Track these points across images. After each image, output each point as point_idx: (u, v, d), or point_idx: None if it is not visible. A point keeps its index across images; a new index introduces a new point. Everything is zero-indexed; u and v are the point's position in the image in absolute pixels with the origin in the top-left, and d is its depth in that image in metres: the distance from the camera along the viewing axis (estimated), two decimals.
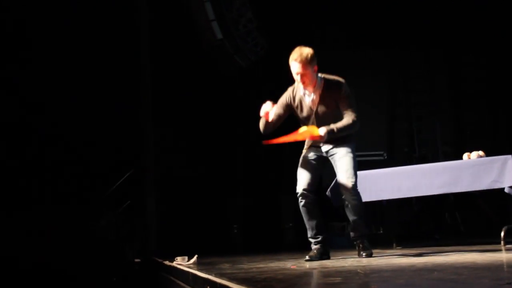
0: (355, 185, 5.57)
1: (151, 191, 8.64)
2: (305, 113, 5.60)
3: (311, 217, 5.64)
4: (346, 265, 4.86)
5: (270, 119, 5.58)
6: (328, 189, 6.74)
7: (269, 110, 5.56)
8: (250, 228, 9.16)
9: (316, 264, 5.16)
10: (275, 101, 5.65)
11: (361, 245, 5.64)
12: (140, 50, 8.83)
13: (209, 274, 4.36)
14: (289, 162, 9.59)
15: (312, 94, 5.58)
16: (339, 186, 5.77)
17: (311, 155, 5.67)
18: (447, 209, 9.19)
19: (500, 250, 5.82)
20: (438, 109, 10.39)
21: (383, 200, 6.81)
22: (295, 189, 9.10)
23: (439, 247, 6.62)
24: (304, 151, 5.72)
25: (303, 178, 5.65)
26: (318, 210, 5.66)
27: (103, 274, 7.81)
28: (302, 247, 8.16)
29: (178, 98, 9.15)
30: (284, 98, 5.68)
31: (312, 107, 5.59)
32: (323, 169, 5.73)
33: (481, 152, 6.56)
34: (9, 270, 7.58)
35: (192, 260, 5.90)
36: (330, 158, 5.64)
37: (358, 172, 5.70)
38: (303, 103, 5.62)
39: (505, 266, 4.20)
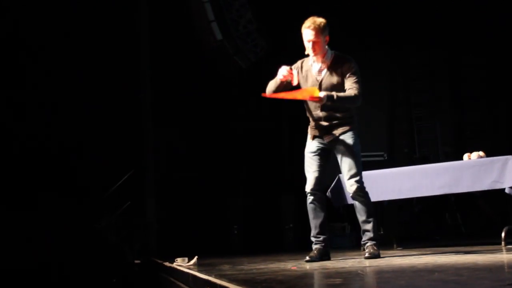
0: (361, 185, 5.57)
1: (151, 192, 8.64)
2: (309, 83, 5.57)
3: (316, 215, 5.65)
4: (347, 266, 4.85)
5: (295, 83, 5.56)
6: (329, 190, 6.74)
7: (286, 74, 5.53)
8: (250, 229, 9.15)
9: (316, 265, 5.15)
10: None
11: (368, 249, 5.58)
12: (140, 51, 8.83)
13: (209, 275, 4.36)
14: (289, 162, 9.63)
15: (320, 64, 5.59)
16: (344, 186, 5.77)
17: (315, 149, 5.64)
18: (447, 210, 9.19)
19: (501, 250, 5.81)
20: (438, 109, 10.38)
21: (384, 200, 6.80)
22: (295, 189, 9.11)
23: (439, 248, 6.61)
24: (307, 142, 5.70)
25: (310, 177, 5.65)
26: (324, 210, 5.66)
27: (103, 275, 7.80)
28: (302, 248, 8.16)
29: (178, 99, 9.14)
30: (294, 69, 5.67)
31: (317, 77, 5.59)
32: (328, 163, 5.72)
33: (481, 153, 6.55)
34: (9, 271, 7.57)
35: (192, 261, 5.89)
36: (333, 149, 5.62)
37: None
38: (309, 73, 5.62)
39: (506, 267, 4.19)
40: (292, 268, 4.92)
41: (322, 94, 5.40)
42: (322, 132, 5.62)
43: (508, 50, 9.90)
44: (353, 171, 5.54)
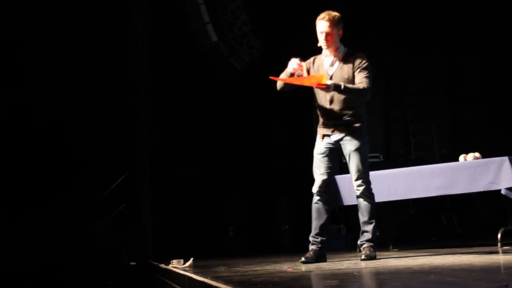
0: (368, 186, 5.58)
1: (147, 193, 8.62)
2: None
3: (318, 216, 5.66)
4: (343, 267, 4.84)
5: (305, 74, 5.56)
6: None
7: (296, 67, 5.54)
8: (246, 230, 9.14)
9: (312, 266, 5.14)
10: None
11: (364, 251, 5.57)
12: (136, 52, 8.81)
13: (204, 277, 4.35)
14: (285, 164, 9.62)
15: (332, 57, 5.63)
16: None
17: (323, 151, 5.64)
18: (443, 211, 9.19)
19: (497, 252, 5.80)
20: (434, 110, 10.38)
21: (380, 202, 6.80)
22: (290, 191, 9.10)
23: (435, 249, 6.60)
24: (316, 143, 5.69)
25: (318, 179, 5.66)
26: (328, 213, 5.68)
27: (99, 278, 7.78)
28: (298, 249, 8.15)
29: (173, 100, 9.13)
30: (304, 63, 5.69)
31: (329, 71, 5.61)
32: (337, 163, 5.72)
33: (477, 154, 6.55)
34: (4, 272, 7.55)
35: (188, 263, 5.88)
36: (341, 148, 5.61)
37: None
38: (321, 67, 5.65)
39: (502, 268, 4.18)
40: (288, 269, 4.91)
41: (330, 82, 5.42)
42: (330, 130, 5.61)
43: (504, 51, 9.91)
44: (361, 171, 5.55)
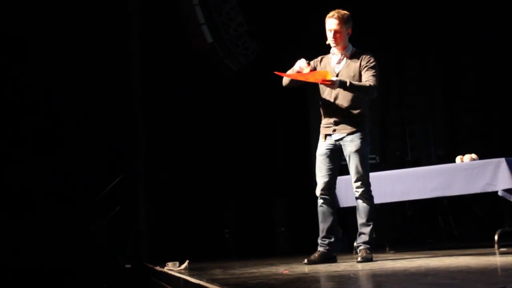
0: (367, 188, 5.58)
1: (142, 196, 8.59)
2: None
3: (324, 219, 5.66)
4: (339, 269, 4.83)
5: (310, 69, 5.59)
6: None
7: (304, 68, 5.55)
8: (242, 232, 9.11)
9: (308, 268, 5.12)
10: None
11: (361, 253, 5.55)
12: (132, 53, 8.79)
13: (200, 280, 4.32)
14: (282, 165, 9.60)
15: (340, 55, 5.65)
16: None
17: (324, 152, 5.63)
18: (440, 213, 9.18)
19: (494, 253, 5.80)
20: (431, 112, 10.37)
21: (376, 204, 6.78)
22: (288, 192, 9.07)
23: (432, 251, 6.60)
24: (319, 144, 5.68)
25: (320, 181, 5.65)
26: (334, 214, 5.67)
27: (93, 280, 7.75)
28: (294, 252, 8.13)
29: (169, 101, 9.10)
30: (312, 61, 5.73)
31: (335, 68, 5.63)
32: (339, 164, 5.72)
33: (474, 155, 6.54)
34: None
35: (183, 266, 5.86)
36: (342, 148, 5.61)
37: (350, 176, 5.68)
38: (328, 65, 5.67)
39: (499, 270, 4.17)
40: (284, 272, 4.89)
41: (335, 78, 5.42)
42: (332, 129, 5.60)
43: (501, 52, 9.90)
44: (361, 172, 5.54)
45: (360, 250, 5.59)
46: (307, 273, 4.71)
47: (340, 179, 6.01)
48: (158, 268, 6.39)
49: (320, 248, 5.65)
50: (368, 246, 5.57)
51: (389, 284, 3.69)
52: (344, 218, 7.71)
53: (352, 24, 5.65)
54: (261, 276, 4.61)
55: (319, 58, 5.77)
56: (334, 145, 5.62)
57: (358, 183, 5.56)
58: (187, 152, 9.07)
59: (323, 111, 5.70)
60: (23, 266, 7.65)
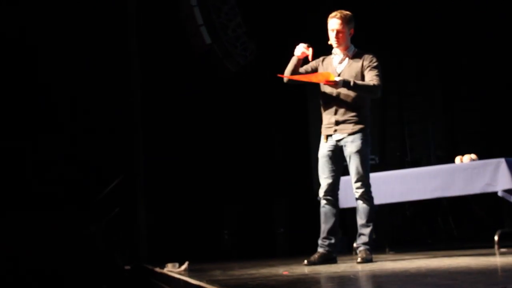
0: (367, 189, 5.58)
1: (142, 196, 8.58)
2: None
3: (325, 220, 5.65)
4: (339, 270, 4.82)
5: (310, 58, 5.62)
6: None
7: (304, 51, 5.57)
8: (242, 233, 9.10)
9: (308, 269, 5.11)
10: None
11: (361, 254, 5.55)
12: (131, 54, 8.78)
13: (200, 281, 4.31)
14: (281, 166, 9.58)
15: (342, 55, 5.66)
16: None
17: (326, 153, 5.62)
18: (440, 214, 9.17)
19: (494, 254, 5.79)
20: (430, 112, 10.36)
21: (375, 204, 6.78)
22: (287, 193, 9.06)
23: (432, 252, 6.59)
24: (320, 145, 5.68)
25: (323, 183, 5.65)
26: (336, 216, 5.66)
27: (93, 282, 7.74)
28: (294, 253, 8.13)
29: (169, 102, 9.10)
30: (314, 61, 5.74)
31: (337, 68, 5.63)
32: (342, 164, 5.71)
33: (473, 156, 6.53)
34: None
35: (183, 267, 5.85)
36: (343, 149, 5.60)
37: (350, 177, 5.67)
38: (330, 66, 5.67)
39: (499, 270, 4.16)
40: (284, 273, 4.88)
41: (338, 78, 5.41)
42: (333, 130, 5.59)
43: (501, 52, 9.89)
44: (361, 173, 5.54)
45: (360, 251, 5.58)
46: (307, 274, 4.70)
47: (340, 180, 5.99)
48: (157, 269, 6.37)
49: (320, 249, 5.64)
50: (368, 247, 5.56)
51: (389, 285, 3.68)
52: (343, 219, 7.70)
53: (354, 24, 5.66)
54: (261, 277, 4.60)
55: (321, 58, 5.77)
56: (336, 146, 5.61)
57: (358, 184, 5.56)
58: (186, 153, 9.06)
59: (324, 111, 5.70)
60: (22, 267, 7.63)
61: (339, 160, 5.66)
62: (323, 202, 5.65)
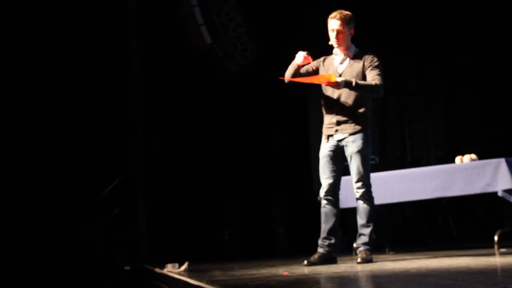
0: (368, 189, 5.58)
1: (142, 197, 8.58)
2: (330, 73, 5.58)
3: (326, 220, 5.65)
4: (339, 271, 4.82)
5: (313, 67, 5.63)
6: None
7: (303, 60, 5.58)
8: (242, 233, 9.10)
9: (308, 270, 5.10)
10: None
11: (361, 254, 5.55)
12: (131, 54, 8.78)
13: (200, 281, 4.31)
14: (281, 166, 9.58)
15: (342, 56, 5.66)
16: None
17: (327, 153, 5.62)
18: (440, 214, 9.17)
19: (494, 254, 5.79)
20: (430, 112, 10.36)
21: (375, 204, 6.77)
22: (287, 193, 9.05)
23: (432, 252, 6.59)
24: (321, 145, 5.67)
25: (324, 183, 5.65)
26: (336, 216, 5.66)
27: (93, 282, 7.74)
28: (294, 253, 8.12)
29: (169, 102, 9.09)
30: (315, 61, 5.73)
31: (338, 69, 5.63)
32: (343, 164, 5.71)
33: (473, 156, 6.53)
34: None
35: (183, 267, 5.84)
36: (344, 148, 5.60)
37: (350, 177, 5.66)
38: (331, 66, 5.68)
39: (499, 271, 4.16)
40: (284, 273, 4.88)
41: (340, 79, 5.41)
42: (334, 130, 5.59)
43: (501, 52, 9.88)
44: (362, 173, 5.54)
45: (360, 251, 5.58)
46: (307, 275, 4.69)
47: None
48: (157, 269, 6.37)
49: (320, 249, 5.63)
50: (368, 247, 5.56)
51: (390, 285, 3.68)
52: (343, 219, 7.70)
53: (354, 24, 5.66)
54: (261, 277, 4.60)
55: (321, 58, 5.77)
56: (337, 146, 5.61)
57: (359, 184, 5.56)
58: (186, 153, 9.06)
59: (325, 111, 5.70)
60: (22, 268, 7.63)
61: (340, 160, 5.66)
62: (323, 202, 5.65)
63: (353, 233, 5.90)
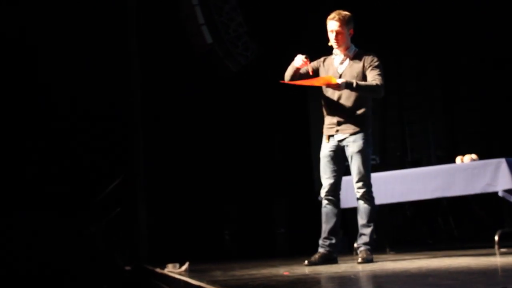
0: (369, 189, 5.58)
1: (142, 197, 8.58)
2: (330, 74, 5.59)
3: (327, 220, 5.65)
4: (340, 270, 4.82)
5: (311, 72, 5.62)
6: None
7: (302, 63, 5.57)
8: (242, 234, 9.10)
9: (309, 270, 5.10)
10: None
11: (361, 254, 5.55)
12: (131, 54, 8.78)
13: (200, 281, 4.31)
14: (282, 166, 9.58)
15: (342, 56, 5.66)
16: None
17: (328, 153, 5.63)
18: (440, 214, 9.16)
19: (494, 254, 5.79)
20: (430, 112, 10.36)
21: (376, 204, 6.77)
22: (287, 193, 9.05)
23: (432, 252, 6.59)
24: (322, 145, 5.68)
25: (325, 183, 5.65)
26: (337, 216, 5.66)
27: (93, 282, 7.74)
28: (294, 253, 8.12)
29: (169, 102, 9.09)
30: (314, 62, 5.74)
31: (338, 69, 5.63)
32: (344, 164, 5.71)
33: (474, 156, 6.53)
34: None
35: (183, 267, 5.84)
36: (345, 148, 5.60)
37: (350, 177, 5.67)
38: (331, 66, 5.68)
39: (500, 271, 4.16)
40: (284, 273, 4.88)
41: (340, 80, 5.41)
42: (334, 130, 5.59)
43: (501, 52, 9.88)
44: (362, 173, 5.54)
45: (360, 251, 5.58)
46: (307, 275, 4.69)
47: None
48: (158, 270, 6.37)
49: (320, 249, 5.64)
50: (369, 247, 5.56)
51: (390, 285, 3.68)
52: (344, 219, 7.70)
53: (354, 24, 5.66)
54: (261, 277, 4.60)
55: (322, 58, 5.78)
56: (337, 146, 5.61)
57: (360, 184, 5.56)
58: (186, 153, 9.06)
59: (326, 111, 5.70)
60: (22, 268, 7.63)
61: (341, 160, 5.66)
62: (324, 202, 5.65)
63: (354, 233, 5.91)
